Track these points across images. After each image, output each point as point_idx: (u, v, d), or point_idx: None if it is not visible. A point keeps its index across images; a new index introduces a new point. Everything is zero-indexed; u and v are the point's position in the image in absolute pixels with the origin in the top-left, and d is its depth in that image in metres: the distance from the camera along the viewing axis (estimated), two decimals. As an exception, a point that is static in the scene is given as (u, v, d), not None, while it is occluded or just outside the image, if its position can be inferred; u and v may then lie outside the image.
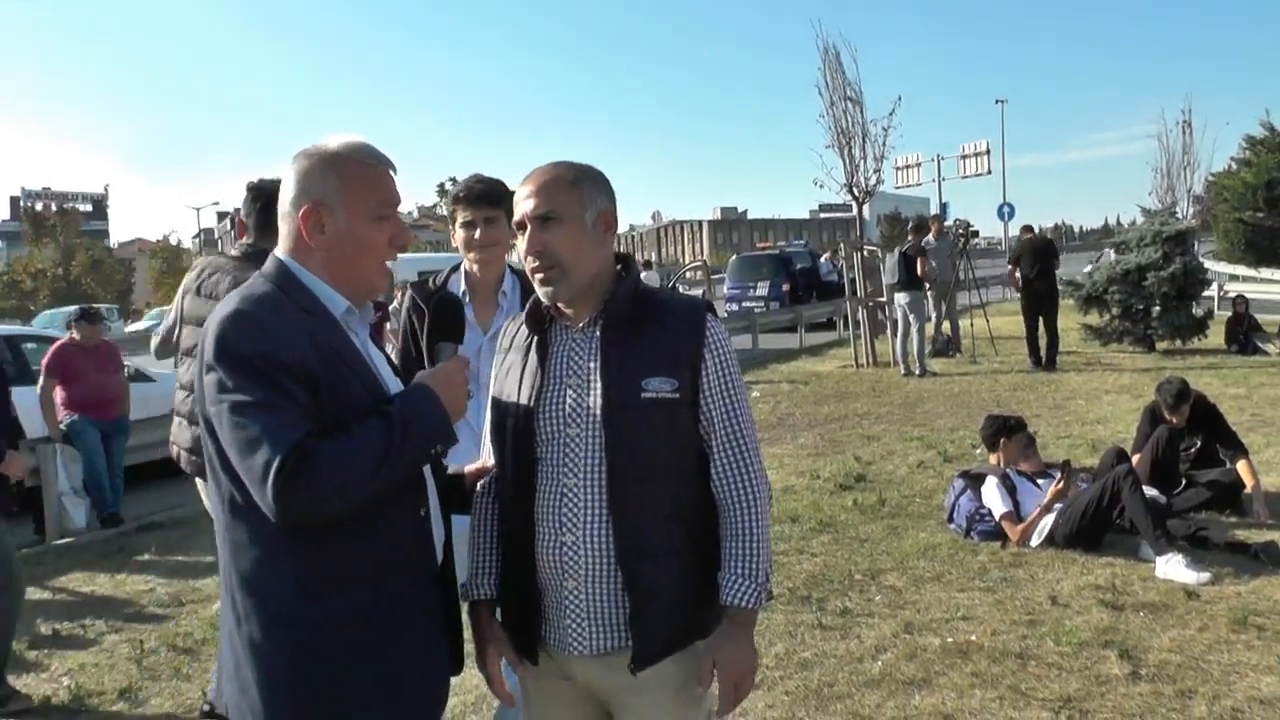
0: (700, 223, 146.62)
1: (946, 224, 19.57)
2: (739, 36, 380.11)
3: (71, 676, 5.81)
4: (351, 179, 2.31)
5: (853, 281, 18.83)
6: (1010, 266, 17.63)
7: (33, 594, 7.53)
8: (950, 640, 5.50)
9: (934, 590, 6.32)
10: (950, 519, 7.56)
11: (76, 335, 9.88)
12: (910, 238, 17.85)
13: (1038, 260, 16.50)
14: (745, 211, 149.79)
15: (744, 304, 29.29)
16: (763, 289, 29.94)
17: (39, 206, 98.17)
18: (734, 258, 35.29)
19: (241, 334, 2.15)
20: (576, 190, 2.52)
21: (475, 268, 3.96)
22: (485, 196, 3.84)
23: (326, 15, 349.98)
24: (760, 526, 2.50)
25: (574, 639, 2.50)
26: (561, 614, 2.51)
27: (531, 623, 2.56)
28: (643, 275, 3.12)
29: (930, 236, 18.49)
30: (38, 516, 9.45)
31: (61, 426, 9.48)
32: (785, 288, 29.79)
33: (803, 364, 19.39)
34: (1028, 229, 18.14)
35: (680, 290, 31.15)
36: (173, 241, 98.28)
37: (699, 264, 33.95)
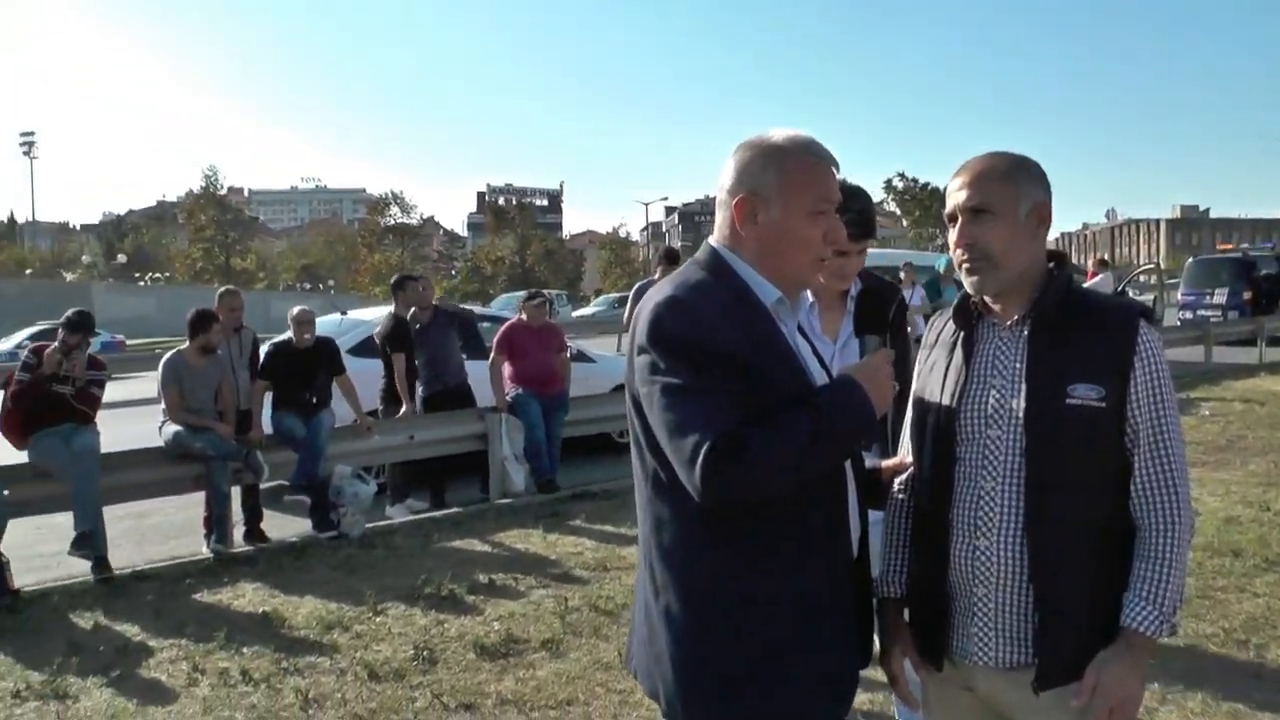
0: (1157, 221, 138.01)
1: None
2: (1202, 18, 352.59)
3: (502, 622, 6.31)
4: (790, 172, 2.31)
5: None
6: None
7: (473, 545, 8.30)
8: None
9: (1400, 649, 5.59)
10: None
11: (525, 316, 10.56)
12: None
13: None
14: (1207, 210, 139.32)
15: (1198, 312, 26.59)
16: (1220, 296, 26.97)
17: (501, 201, 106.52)
18: (1190, 261, 32.49)
19: (676, 319, 2.19)
20: (1010, 182, 2.43)
21: (824, 281, 3.64)
22: (866, 228, 3.64)
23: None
24: (1176, 552, 2.32)
25: (979, 649, 2.42)
26: (969, 621, 2.44)
27: (938, 627, 2.50)
28: (1099, 276, 2.96)
29: None
30: (483, 477, 10.27)
31: (508, 398, 10.21)
32: (1246, 296, 26.70)
33: (1261, 382, 17.61)
34: None
35: (1130, 294, 29.04)
36: (621, 234, 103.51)
37: (1151, 266, 31.63)
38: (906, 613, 2.62)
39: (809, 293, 3.77)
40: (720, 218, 2.39)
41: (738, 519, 2.18)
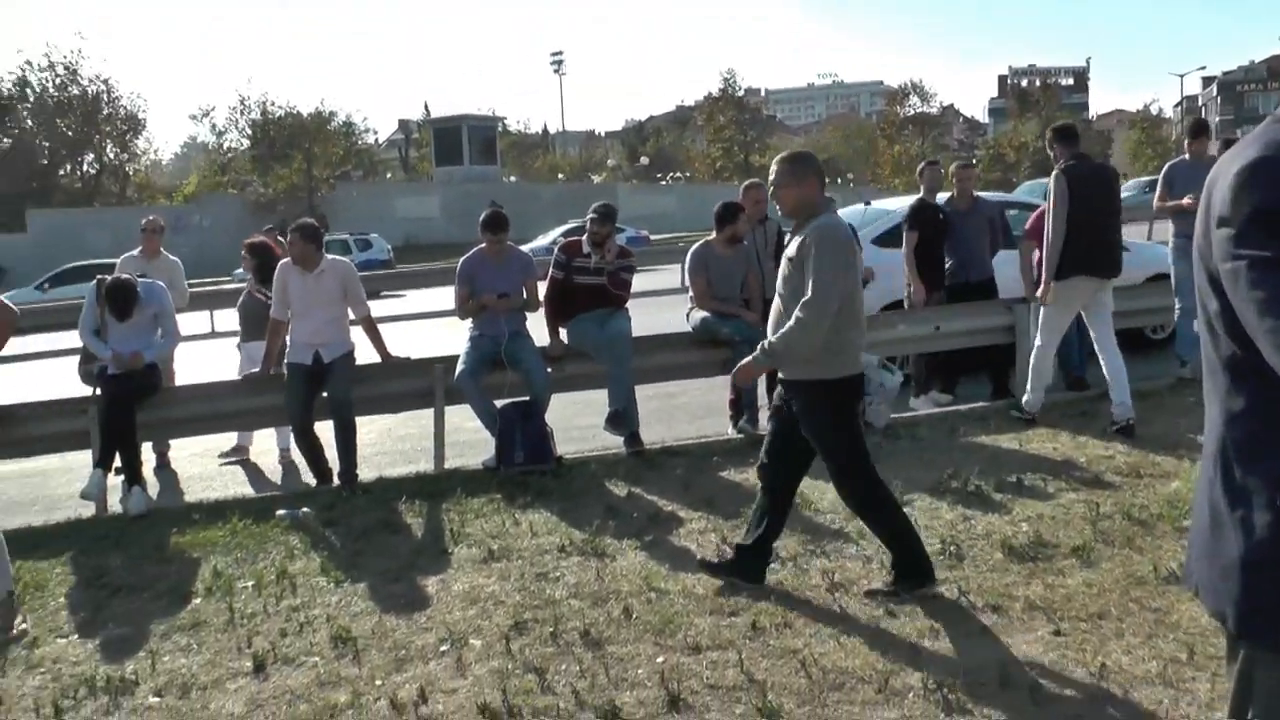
0: None
1: None
2: None
3: (1031, 524, 6.02)
4: None
5: None
6: None
7: (998, 442, 8.03)
8: None
9: None
10: None
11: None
12: None
13: None
14: None
15: None
16: None
17: (1024, 84, 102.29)
18: None
19: (1266, 184, 1.89)
20: None
21: None
22: None
23: None
24: None
25: None
26: None
27: None
28: None
29: None
30: (999, 375, 9.87)
31: (1037, 288, 9.67)
32: None
33: None
34: None
35: None
36: (1153, 111, 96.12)
37: None
38: None
39: None
40: None
41: None
